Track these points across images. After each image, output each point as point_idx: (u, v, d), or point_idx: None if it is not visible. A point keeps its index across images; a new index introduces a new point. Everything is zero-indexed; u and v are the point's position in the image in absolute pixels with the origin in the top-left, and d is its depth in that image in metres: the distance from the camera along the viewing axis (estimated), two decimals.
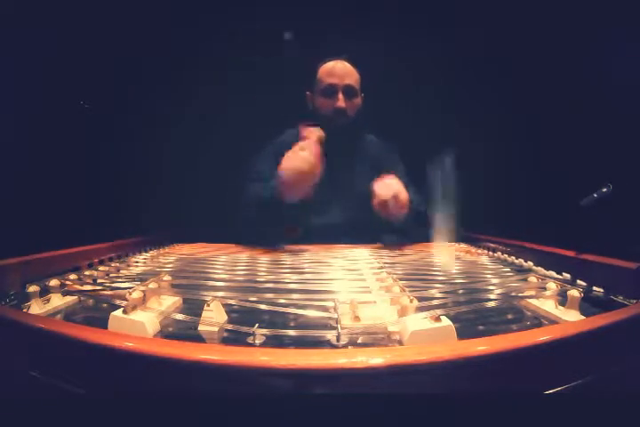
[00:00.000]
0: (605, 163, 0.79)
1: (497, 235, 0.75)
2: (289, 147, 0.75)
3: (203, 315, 0.32)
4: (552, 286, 0.39)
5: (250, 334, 0.29)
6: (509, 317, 0.37)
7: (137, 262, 0.60)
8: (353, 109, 0.91)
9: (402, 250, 0.74)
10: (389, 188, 0.73)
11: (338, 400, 0.21)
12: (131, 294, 0.33)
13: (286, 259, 0.63)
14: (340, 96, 0.88)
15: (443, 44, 1.11)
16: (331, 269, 0.53)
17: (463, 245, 0.84)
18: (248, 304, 0.35)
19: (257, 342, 0.29)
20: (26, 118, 0.90)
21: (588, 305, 0.37)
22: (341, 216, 0.90)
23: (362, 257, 0.64)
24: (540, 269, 0.53)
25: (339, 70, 0.89)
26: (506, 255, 0.63)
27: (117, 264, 0.56)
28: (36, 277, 0.42)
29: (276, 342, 0.30)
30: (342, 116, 0.89)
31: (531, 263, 0.56)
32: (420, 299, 0.34)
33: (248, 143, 1.15)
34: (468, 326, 0.33)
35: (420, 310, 0.31)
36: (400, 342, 0.29)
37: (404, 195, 0.73)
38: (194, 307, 0.36)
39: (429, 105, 1.19)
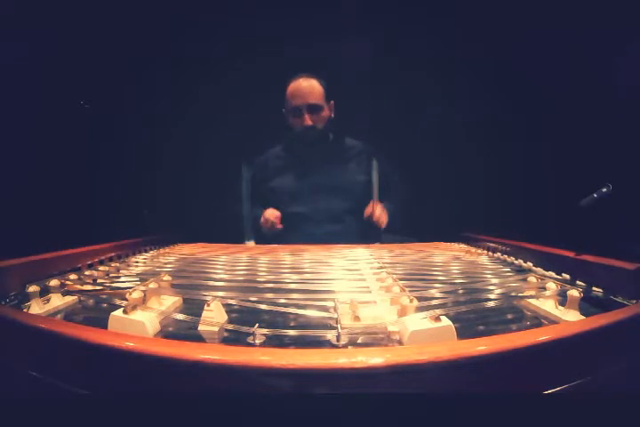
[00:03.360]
0: (605, 163, 0.79)
1: (497, 235, 0.75)
2: (271, 167, 1.09)
3: (203, 315, 0.32)
4: (552, 286, 0.39)
5: (250, 334, 0.29)
6: (509, 317, 0.37)
7: (137, 262, 0.60)
8: (321, 123, 1.02)
9: (402, 250, 0.74)
10: (375, 212, 0.94)
11: (338, 400, 0.21)
12: (131, 294, 0.33)
13: (286, 259, 0.63)
14: (306, 116, 0.99)
15: (442, 44, 1.11)
16: (331, 269, 0.53)
17: (463, 246, 0.84)
18: (248, 304, 0.35)
19: (257, 341, 0.29)
20: (26, 119, 0.90)
21: (588, 305, 0.37)
22: (322, 207, 1.02)
23: (362, 257, 0.64)
24: (539, 269, 0.53)
25: (302, 90, 0.99)
26: (506, 255, 0.63)
27: (117, 264, 0.56)
28: (36, 277, 0.42)
29: (276, 341, 0.30)
30: (311, 131, 1.01)
31: (530, 264, 0.56)
32: (420, 299, 0.34)
33: (249, 143, 1.16)
34: (468, 326, 0.33)
35: (419, 309, 0.31)
36: (400, 342, 0.29)
37: (377, 213, 0.94)
38: (194, 307, 0.36)
39: (429, 105, 1.20)
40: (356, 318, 0.33)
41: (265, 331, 0.29)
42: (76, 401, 0.24)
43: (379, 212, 0.94)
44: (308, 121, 0.99)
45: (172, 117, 1.19)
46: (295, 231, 0.99)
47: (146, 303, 0.34)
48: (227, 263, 0.59)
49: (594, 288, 0.42)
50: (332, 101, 1.05)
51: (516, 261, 0.59)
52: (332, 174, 1.04)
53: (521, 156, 1.07)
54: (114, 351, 0.23)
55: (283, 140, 1.13)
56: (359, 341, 0.30)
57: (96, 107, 1.08)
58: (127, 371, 0.24)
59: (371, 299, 0.38)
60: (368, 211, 0.95)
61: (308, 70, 1.02)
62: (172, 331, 0.33)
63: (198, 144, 1.25)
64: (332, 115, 1.05)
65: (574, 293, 0.34)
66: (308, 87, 0.99)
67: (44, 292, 0.38)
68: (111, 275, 0.51)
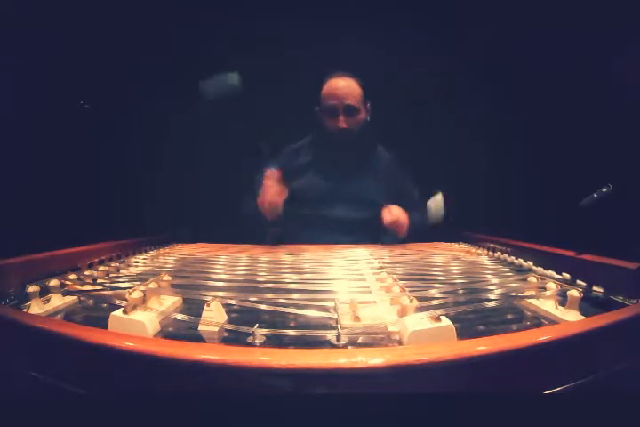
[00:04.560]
0: (605, 163, 0.79)
1: (497, 235, 0.75)
2: (293, 163, 1.02)
3: (203, 315, 0.32)
4: (552, 286, 0.39)
5: (250, 334, 0.29)
6: (509, 317, 0.37)
7: (137, 262, 0.60)
8: (355, 125, 0.96)
9: (402, 250, 0.74)
10: (391, 213, 0.88)
11: (338, 400, 0.21)
12: (131, 294, 0.33)
13: (286, 259, 0.63)
14: (341, 117, 0.94)
15: (443, 45, 1.11)
16: (331, 269, 0.53)
17: (463, 246, 0.84)
18: (248, 304, 0.35)
19: (257, 342, 0.29)
20: (26, 118, 0.90)
21: (588, 305, 0.37)
22: (341, 216, 0.97)
23: (362, 257, 0.64)
24: (539, 269, 0.53)
25: (339, 90, 0.94)
26: (506, 255, 0.63)
27: (117, 264, 0.56)
28: (36, 277, 0.42)
29: (276, 342, 0.30)
30: (344, 134, 0.95)
31: (530, 263, 0.56)
32: (420, 299, 0.34)
33: (249, 143, 1.16)
34: (467, 326, 0.33)
35: (419, 310, 0.31)
36: (400, 342, 0.29)
37: (401, 222, 0.88)
38: (194, 307, 0.36)
39: (429, 105, 1.20)
40: (356, 318, 0.33)
41: (265, 331, 0.29)
42: (76, 401, 0.24)
43: (391, 216, 0.87)
44: (343, 123, 0.94)
45: (172, 117, 1.19)
46: (301, 234, 0.95)
47: (146, 303, 0.34)
48: (227, 263, 0.59)
49: (594, 288, 0.42)
50: (368, 103, 0.99)
51: (516, 261, 0.59)
52: (355, 183, 0.99)
53: (521, 155, 1.07)
54: (114, 351, 0.23)
55: (312, 136, 1.07)
56: (359, 341, 0.30)
57: (96, 107, 1.08)
58: (127, 371, 0.24)
59: (371, 299, 0.38)
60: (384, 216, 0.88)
61: (308, 70, 1.01)
62: (171, 331, 0.33)
63: (198, 144, 1.25)
64: (368, 118, 1.00)
65: (574, 293, 0.34)
66: (347, 87, 0.94)
67: (44, 292, 0.38)
68: (111, 275, 0.51)
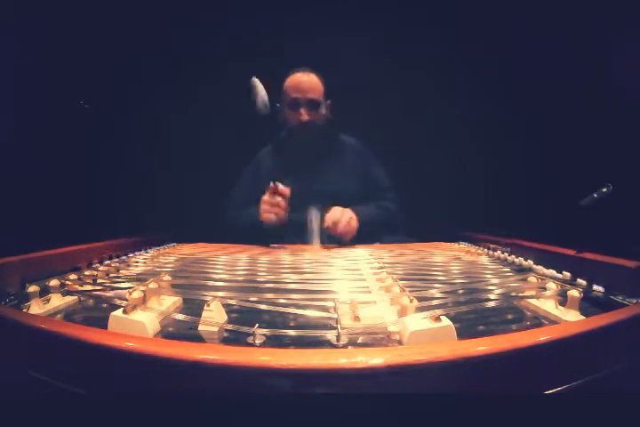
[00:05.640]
0: (605, 163, 0.79)
1: (497, 235, 0.75)
2: (262, 167, 1.02)
3: (203, 315, 0.32)
4: (552, 286, 0.39)
5: (250, 334, 0.29)
6: (509, 317, 0.37)
7: (137, 262, 0.60)
8: (317, 120, 0.97)
9: (402, 250, 0.74)
10: (333, 216, 0.83)
11: (338, 400, 0.21)
12: (131, 294, 0.33)
13: (286, 259, 0.63)
14: (303, 110, 0.95)
15: (442, 43, 1.11)
16: (331, 269, 0.53)
17: (463, 246, 0.84)
18: (248, 304, 0.35)
19: (257, 342, 0.29)
20: (26, 118, 0.90)
21: (588, 305, 0.37)
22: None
23: (362, 257, 0.64)
24: (539, 267, 0.53)
25: (302, 84, 0.95)
26: (506, 255, 0.63)
27: (117, 264, 0.56)
28: (36, 277, 0.42)
29: (276, 342, 0.30)
30: (306, 127, 0.96)
31: (530, 262, 0.56)
32: (420, 299, 0.34)
33: (249, 143, 1.16)
34: (468, 326, 0.33)
35: (419, 310, 0.31)
36: (400, 342, 0.29)
37: (341, 224, 0.83)
38: (194, 307, 0.36)
39: (429, 106, 1.20)
40: (356, 318, 0.33)
41: (265, 331, 0.29)
42: (76, 401, 0.24)
43: (333, 218, 0.82)
44: (305, 116, 0.95)
45: (171, 117, 1.19)
46: (289, 238, 0.92)
47: (146, 303, 0.34)
48: (227, 263, 0.58)
49: (594, 288, 0.42)
50: (329, 101, 1.01)
51: (516, 260, 0.59)
52: (326, 179, 0.98)
53: (521, 155, 1.07)
54: (114, 351, 0.23)
55: (275, 138, 1.07)
56: (359, 341, 0.30)
57: (96, 106, 1.08)
58: (127, 371, 0.24)
59: (371, 299, 0.38)
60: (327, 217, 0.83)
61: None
62: (171, 331, 0.33)
63: (198, 144, 1.25)
64: (329, 115, 1.01)
65: (574, 293, 0.34)
66: (309, 82, 0.96)
67: (44, 292, 0.38)
68: (111, 275, 0.51)
